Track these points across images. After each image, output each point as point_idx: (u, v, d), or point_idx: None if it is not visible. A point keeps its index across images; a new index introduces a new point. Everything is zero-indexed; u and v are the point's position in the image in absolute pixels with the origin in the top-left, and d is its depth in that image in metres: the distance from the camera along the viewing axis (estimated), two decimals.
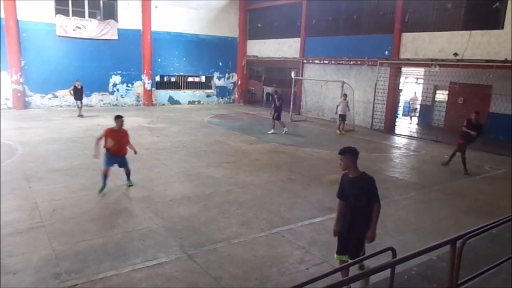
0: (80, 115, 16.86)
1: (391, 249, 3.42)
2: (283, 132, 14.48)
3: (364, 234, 4.08)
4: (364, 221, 4.05)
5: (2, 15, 17.48)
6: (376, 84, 16.31)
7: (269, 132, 14.47)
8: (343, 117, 15.19)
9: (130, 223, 6.20)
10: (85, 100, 19.25)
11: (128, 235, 5.76)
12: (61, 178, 8.36)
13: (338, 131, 15.18)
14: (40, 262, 4.92)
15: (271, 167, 9.91)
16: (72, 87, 16.95)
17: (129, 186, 7.89)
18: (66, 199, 7.11)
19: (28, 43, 18.28)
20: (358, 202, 4.01)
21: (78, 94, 17.00)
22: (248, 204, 7.19)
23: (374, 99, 16.52)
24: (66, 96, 18.78)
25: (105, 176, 7.43)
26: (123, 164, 7.77)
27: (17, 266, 4.79)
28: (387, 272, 3.32)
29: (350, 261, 4.09)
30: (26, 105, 18.62)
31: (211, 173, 9.15)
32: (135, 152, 7.85)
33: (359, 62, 17.14)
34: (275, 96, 14.97)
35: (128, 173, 7.91)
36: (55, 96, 19.33)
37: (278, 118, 14.59)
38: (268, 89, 24.40)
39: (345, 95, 15.33)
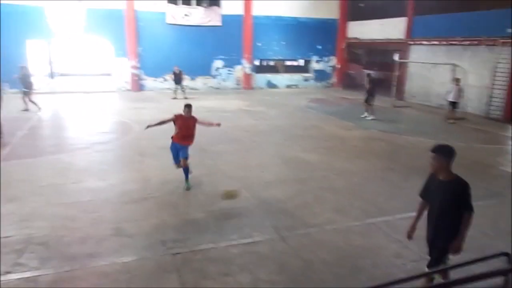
0: (185, 97, 18.07)
1: (506, 254, 3.08)
2: (369, 118, 13.89)
3: (448, 244, 3.61)
4: (451, 230, 3.57)
5: (124, 6, 19.41)
6: (495, 66, 14.54)
7: (368, 118, 13.91)
8: (453, 104, 13.87)
9: (228, 201, 6.54)
10: (190, 83, 20.87)
11: (226, 212, 6.09)
12: (169, 155, 9.06)
13: (447, 120, 13.94)
14: (150, 229, 5.49)
15: (369, 155, 9.55)
16: (172, 73, 18.36)
17: (187, 189, 6.96)
18: (173, 174, 7.72)
19: (144, 31, 20.07)
20: (446, 208, 3.55)
21: (177, 78, 18.30)
22: (343, 191, 7.07)
23: (492, 84, 14.78)
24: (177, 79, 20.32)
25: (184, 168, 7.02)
26: (183, 153, 7.01)
27: (132, 231, 5.41)
28: (499, 280, 3.01)
29: (427, 269, 3.74)
30: (141, 88, 20.60)
31: (306, 157, 9.16)
32: (218, 125, 7.51)
33: (475, 42, 15.40)
34: (367, 79, 14.32)
35: (185, 169, 7.03)
36: (165, 80, 20.97)
37: (368, 101, 14.01)
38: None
39: (457, 80, 13.96)
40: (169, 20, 20.43)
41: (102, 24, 19.25)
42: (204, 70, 21.77)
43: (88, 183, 7.22)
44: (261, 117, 14.10)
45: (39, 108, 14.45)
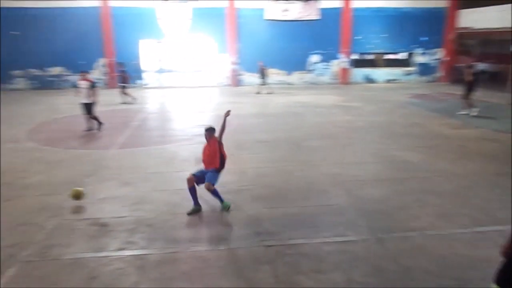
0: (269, 92, 18.34)
1: None
2: (470, 114, 12.63)
3: None
4: None
5: (226, 4, 20.29)
6: None
7: (472, 115, 12.64)
8: None
9: (322, 198, 6.48)
10: (286, 78, 21.25)
11: (319, 209, 6.04)
12: (264, 148, 9.35)
13: None
14: (245, 220, 5.69)
15: (479, 157, 8.64)
16: (259, 68, 18.67)
17: (226, 210, 5.94)
18: (268, 167, 7.93)
19: (243, 28, 20.76)
20: None
21: (261, 73, 18.56)
22: (448, 195, 6.52)
23: None
24: (271, 75, 20.72)
25: (191, 190, 5.92)
26: (208, 177, 5.92)
27: (229, 220, 5.69)
28: None
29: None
30: (239, 83, 21.38)
31: (406, 157, 8.63)
32: (227, 114, 6.13)
33: None
34: (468, 71, 12.90)
35: (213, 192, 5.90)
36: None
37: (467, 96, 12.70)
38: (481, 67, 21.04)
39: None
40: (268, 16, 20.80)
41: (206, 22, 20.41)
42: (300, 65, 21.77)
43: (189, 173, 7.71)
44: (357, 113, 13.65)
45: (133, 100, 16.08)
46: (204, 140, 6.23)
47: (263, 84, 18.67)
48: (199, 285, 4.23)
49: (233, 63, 21.09)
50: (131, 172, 7.73)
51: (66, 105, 15.28)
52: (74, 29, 19.81)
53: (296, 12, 20.86)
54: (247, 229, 5.41)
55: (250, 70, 21.11)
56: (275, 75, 21.38)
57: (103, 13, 19.85)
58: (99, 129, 11.20)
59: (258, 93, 18.37)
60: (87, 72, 12.00)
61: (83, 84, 10.98)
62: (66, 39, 19.82)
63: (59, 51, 19.93)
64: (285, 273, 4.38)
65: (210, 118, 13.52)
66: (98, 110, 11.48)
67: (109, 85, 19.92)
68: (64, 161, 8.57)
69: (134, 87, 16.87)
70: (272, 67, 21.00)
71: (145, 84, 20.97)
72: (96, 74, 20.04)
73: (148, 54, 20.89)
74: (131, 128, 11.70)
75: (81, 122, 11.31)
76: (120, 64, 17.04)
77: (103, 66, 20.44)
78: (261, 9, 20.73)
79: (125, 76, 16.46)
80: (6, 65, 19.80)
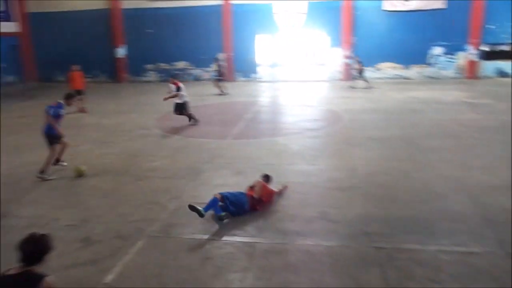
0: (369, 86, 17.55)
1: None
2: None
3: None
4: None
5: None
6: None
7: None
8: None
9: (440, 202, 5.96)
10: (403, 72, 20.00)
11: (437, 214, 5.57)
12: (377, 146, 8.95)
13: None
14: (354, 218, 5.53)
15: None
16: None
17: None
18: (380, 166, 7.58)
19: (360, 20, 20.06)
20: None
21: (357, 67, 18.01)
22: None
23: None
24: (387, 69, 19.71)
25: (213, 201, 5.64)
26: (235, 194, 5.92)
27: (336, 217, 5.58)
28: None
29: None
30: (352, 77, 20.74)
31: None
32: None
33: None
34: None
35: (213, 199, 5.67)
36: (377, 69, 20.50)
37: None
38: None
39: None
40: (386, 7, 19.74)
41: (320, 17, 20.23)
42: (419, 58, 20.23)
43: (299, 166, 7.80)
44: (486, 111, 12.20)
45: (226, 93, 16.92)
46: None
47: (359, 78, 18.07)
48: (305, 279, 4.26)
49: (347, 57, 20.54)
50: (244, 162, 8.10)
51: (189, 97, 16.64)
52: (198, 26, 21.42)
53: (419, 1, 19.37)
54: (356, 228, 5.26)
55: (364, 64, 20.36)
56: (390, 69, 20.34)
57: (224, 11, 21.04)
58: (195, 123, 11.66)
59: (369, 86, 17.61)
60: (175, 77, 12.45)
61: (173, 87, 11.84)
62: (190, 36, 21.56)
63: (184, 47, 21.78)
64: (395, 278, 4.17)
65: (321, 112, 13.45)
66: (215, 102, 12.23)
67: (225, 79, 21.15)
68: (185, 148, 9.37)
69: (243, 80, 17.66)
70: (388, 60, 20.02)
71: (259, 78, 21.70)
72: (215, 68, 21.38)
73: (263, 49, 21.55)
74: (244, 120, 12.24)
75: (200, 113, 12.19)
76: (215, 59, 18.30)
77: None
78: (380, 1, 19.77)
79: (220, 70, 17.63)
80: (141, 59, 22.38)
